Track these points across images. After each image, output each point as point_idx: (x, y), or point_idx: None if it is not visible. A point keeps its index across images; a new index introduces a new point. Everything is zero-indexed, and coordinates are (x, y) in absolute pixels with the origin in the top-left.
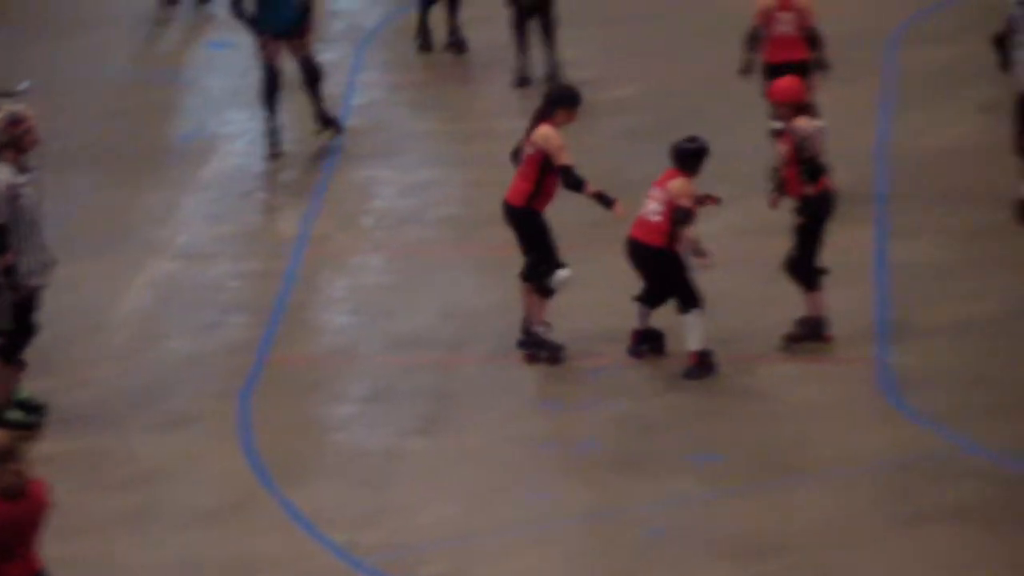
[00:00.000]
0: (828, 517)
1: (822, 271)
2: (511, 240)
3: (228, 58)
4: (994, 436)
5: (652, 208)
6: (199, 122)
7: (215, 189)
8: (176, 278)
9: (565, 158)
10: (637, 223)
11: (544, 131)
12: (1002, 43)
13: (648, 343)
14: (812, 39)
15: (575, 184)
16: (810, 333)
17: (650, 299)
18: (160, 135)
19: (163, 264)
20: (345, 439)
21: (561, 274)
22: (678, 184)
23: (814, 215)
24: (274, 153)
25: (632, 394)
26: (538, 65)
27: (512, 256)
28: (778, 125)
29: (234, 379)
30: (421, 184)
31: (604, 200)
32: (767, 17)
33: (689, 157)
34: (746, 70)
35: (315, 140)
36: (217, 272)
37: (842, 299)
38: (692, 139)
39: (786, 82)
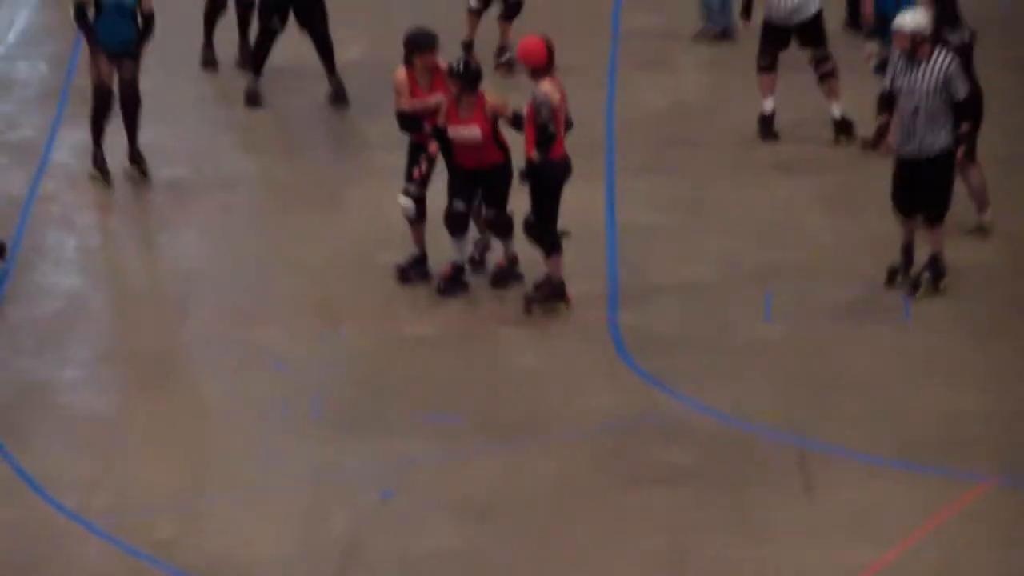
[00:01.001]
0: (552, 478)
1: (563, 234)
2: (235, 205)
3: None
4: (717, 397)
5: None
6: None
7: None
8: None
9: (402, 103)
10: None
11: (397, 73)
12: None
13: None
14: None
15: (406, 126)
16: (550, 295)
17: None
18: None
19: None
20: (72, 401)
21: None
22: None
23: (541, 180)
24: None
25: (366, 356)
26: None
27: (237, 220)
28: None
29: None
30: (147, 145)
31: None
32: None
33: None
34: None
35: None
36: None
37: (575, 261)
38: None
39: (529, 43)
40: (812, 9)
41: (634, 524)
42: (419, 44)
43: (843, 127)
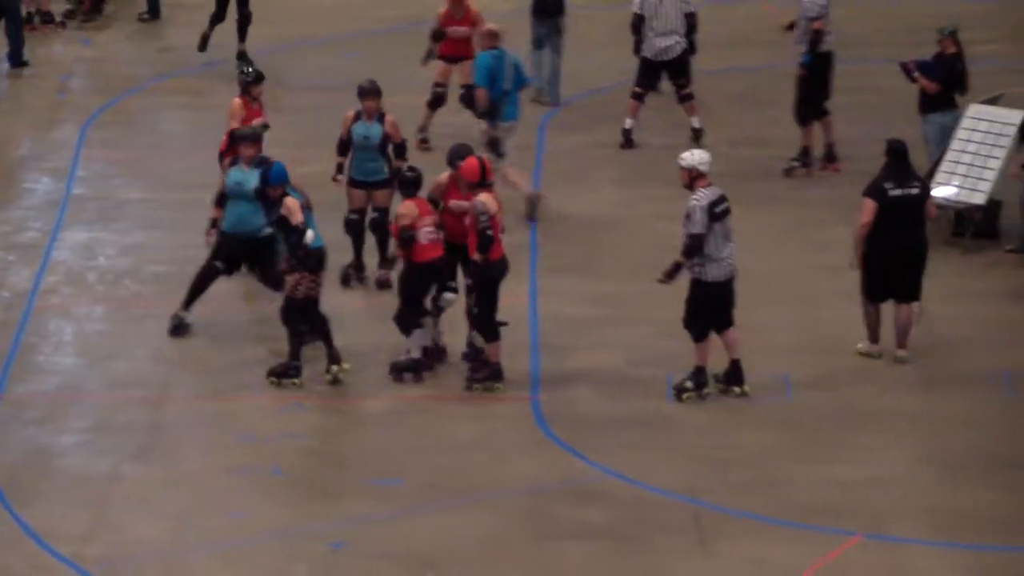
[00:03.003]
0: (484, 533)
1: (501, 324)
2: (213, 294)
3: None
4: (625, 464)
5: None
6: None
7: None
8: None
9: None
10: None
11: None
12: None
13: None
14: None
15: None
16: (489, 376)
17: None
18: None
19: None
20: (70, 465)
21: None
22: (402, 208)
23: (483, 279)
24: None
25: (319, 429)
26: None
27: (214, 309)
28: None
29: None
30: (136, 245)
31: None
32: None
33: (408, 185)
34: None
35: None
36: None
37: (505, 347)
38: (411, 169)
39: (468, 162)
40: (678, 51)
41: (555, 574)
42: (459, 154)
43: (698, 135)
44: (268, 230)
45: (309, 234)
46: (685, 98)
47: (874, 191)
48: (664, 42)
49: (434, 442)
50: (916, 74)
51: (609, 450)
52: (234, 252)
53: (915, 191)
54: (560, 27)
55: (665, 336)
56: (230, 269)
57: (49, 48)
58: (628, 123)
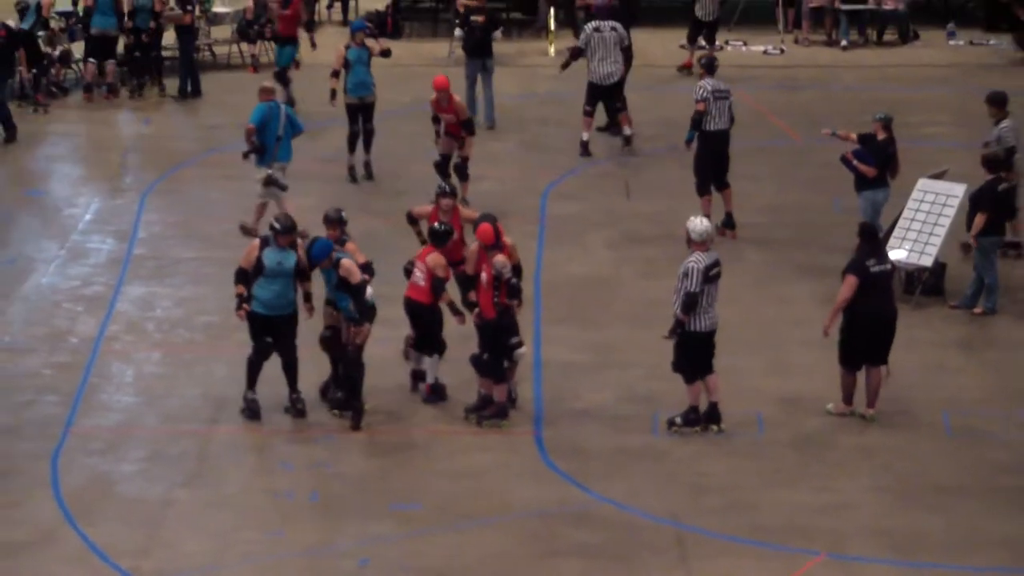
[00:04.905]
0: (490, 552)
1: (509, 366)
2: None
3: (41, 202)
4: (616, 491)
5: (417, 275)
6: (20, 249)
7: (33, 299)
8: (2, 368)
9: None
10: (410, 286)
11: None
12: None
13: (421, 380)
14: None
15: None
16: (495, 414)
17: (420, 345)
18: None
19: None
20: (128, 489)
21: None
22: (432, 258)
23: (496, 331)
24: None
25: (347, 458)
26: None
27: (244, 354)
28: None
29: (47, 443)
30: (188, 298)
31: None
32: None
33: (439, 237)
34: None
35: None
36: (34, 363)
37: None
38: (441, 222)
39: (483, 227)
40: (616, 77)
41: None
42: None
43: (628, 140)
44: (293, 309)
45: (369, 290)
46: (619, 111)
47: (857, 268)
48: (607, 69)
49: (448, 471)
50: (855, 162)
51: (603, 478)
52: (270, 327)
53: (889, 266)
54: (488, 66)
55: (651, 379)
56: (275, 339)
57: (111, 126)
58: (585, 136)
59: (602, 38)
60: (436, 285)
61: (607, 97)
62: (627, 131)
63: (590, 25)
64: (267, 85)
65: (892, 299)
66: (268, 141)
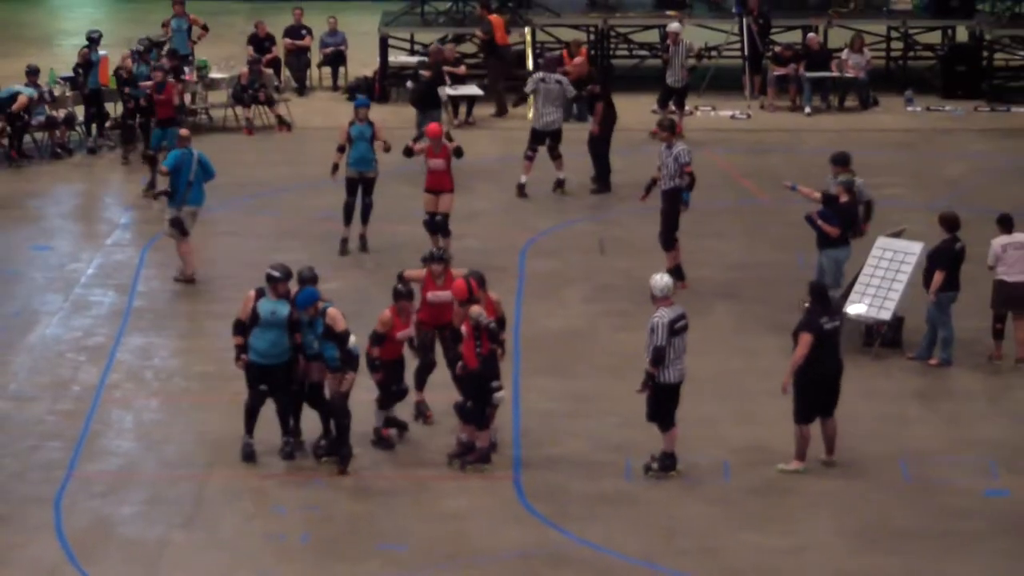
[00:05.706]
0: None
1: (490, 414)
2: (244, 391)
3: (46, 257)
4: (592, 533)
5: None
6: (25, 302)
7: (38, 349)
8: (8, 415)
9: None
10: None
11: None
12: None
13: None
14: None
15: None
16: (478, 459)
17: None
18: None
19: None
20: (128, 531)
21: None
22: (382, 316)
23: (479, 380)
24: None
25: (335, 502)
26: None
27: (239, 402)
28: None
29: (50, 487)
30: (185, 349)
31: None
32: None
33: (395, 295)
34: None
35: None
36: (38, 410)
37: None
38: (405, 285)
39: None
40: (557, 125)
41: None
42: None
43: (560, 184)
44: (289, 356)
45: (352, 338)
46: (557, 156)
47: (811, 326)
48: (549, 118)
49: (432, 514)
50: (819, 223)
51: (579, 521)
52: (266, 375)
53: (839, 323)
54: (437, 118)
55: (625, 426)
56: (270, 387)
57: (112, 185)
58: (523, 179)
59: (547, 89)
60: (369, 337)
61: (552, 141)
62: (561, 175)
63: (537, 75)
64: (183, 133)
65: (839, 353)
66: (180, 185)
